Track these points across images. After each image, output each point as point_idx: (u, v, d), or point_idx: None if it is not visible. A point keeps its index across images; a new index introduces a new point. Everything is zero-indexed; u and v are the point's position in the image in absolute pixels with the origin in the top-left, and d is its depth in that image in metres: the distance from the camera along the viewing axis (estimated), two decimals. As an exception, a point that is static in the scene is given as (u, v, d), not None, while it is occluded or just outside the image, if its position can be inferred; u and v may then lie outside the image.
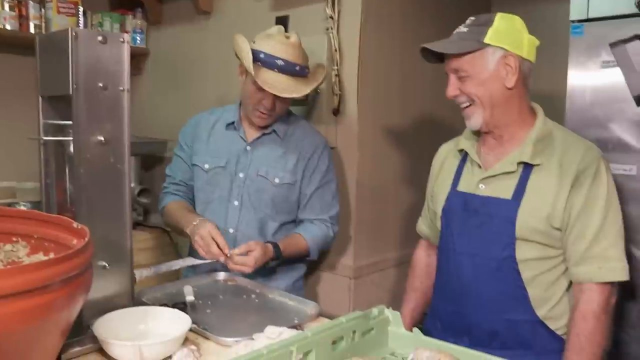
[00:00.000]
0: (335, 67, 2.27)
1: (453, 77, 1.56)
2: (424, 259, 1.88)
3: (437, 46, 1.54)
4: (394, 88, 2.47)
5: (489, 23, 1.50)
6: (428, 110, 2.66)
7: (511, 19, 1.53)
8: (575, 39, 1.89)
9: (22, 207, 2.37)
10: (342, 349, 1.13)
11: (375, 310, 1.23)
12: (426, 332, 1.22)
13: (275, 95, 1.83)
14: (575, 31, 1.89)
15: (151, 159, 3.13)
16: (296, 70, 1.86)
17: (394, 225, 2.56)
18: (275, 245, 1.84)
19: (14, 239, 1.23)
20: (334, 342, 1.12)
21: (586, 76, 1.86)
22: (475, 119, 1.55)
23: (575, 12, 1.87)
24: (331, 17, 2.27)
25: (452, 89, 1.56)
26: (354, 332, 1.17)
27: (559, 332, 1.54)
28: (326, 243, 2.03)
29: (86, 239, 1.05)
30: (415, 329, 1.22)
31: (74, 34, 1.22)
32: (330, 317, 1.53)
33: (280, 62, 1.82)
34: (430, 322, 1.75)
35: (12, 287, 0.85)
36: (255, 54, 1.83)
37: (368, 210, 2.39)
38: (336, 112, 2.30)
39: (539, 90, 2.78)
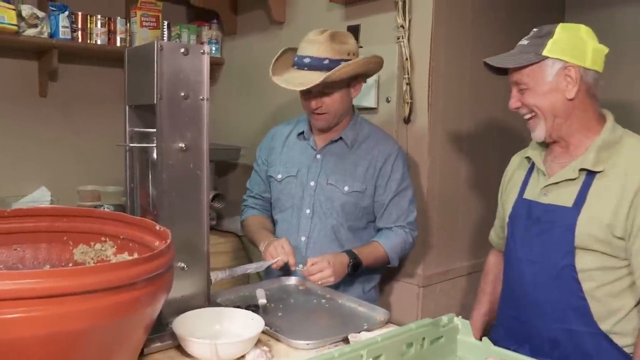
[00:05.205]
0: (406, 76, 2.27)
1: (515, 90, 1.57)
2: (497, 266, 1.87)
3: (495, 60, 1.56)
4: (465, 96, 2.45)
5: (549, 35, 1.49)
6: (499, 118, 2.62)
7: (575, 28, 1.51)
8: (659, 45, 1.82)
9: (107, 209, 2.51)
10: (411, 355, 1.14)
11: (444, 318, 1.23)
12: (492, 340, 1.21)
13: (317, 95, 1.88)
14: (659, 36, 1.82)
15: (225, 166, 3.23)
16: (325, 64, 1.84)
17: (464, 234, 2.53)
18: (349, 252, 1.86)
19: (103, 238, 1.32)
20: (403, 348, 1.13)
21: (670, 83, 1.78)
22: (539, 131, 1.56)
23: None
24: (402, 26, 2.28)
25: (514, 101, 1.58)
26: (424, 339, 1.17)
27: (627, 350, 1.48)
28: (405, 249, 2.02)
29: (168, 241, 1.11)
30: (485, 339, 1.22)
31: (159, 46, 1.30)
32: (399, 325, 1.54)
33: (307, 60, 1.85)
34: (495, 330, 1.76)
35: (103, 283, 0.92)
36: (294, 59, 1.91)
37: (438, 218, 2.37)
38: (407, 120, 2.31)
39: (614, 97, 2.70)
